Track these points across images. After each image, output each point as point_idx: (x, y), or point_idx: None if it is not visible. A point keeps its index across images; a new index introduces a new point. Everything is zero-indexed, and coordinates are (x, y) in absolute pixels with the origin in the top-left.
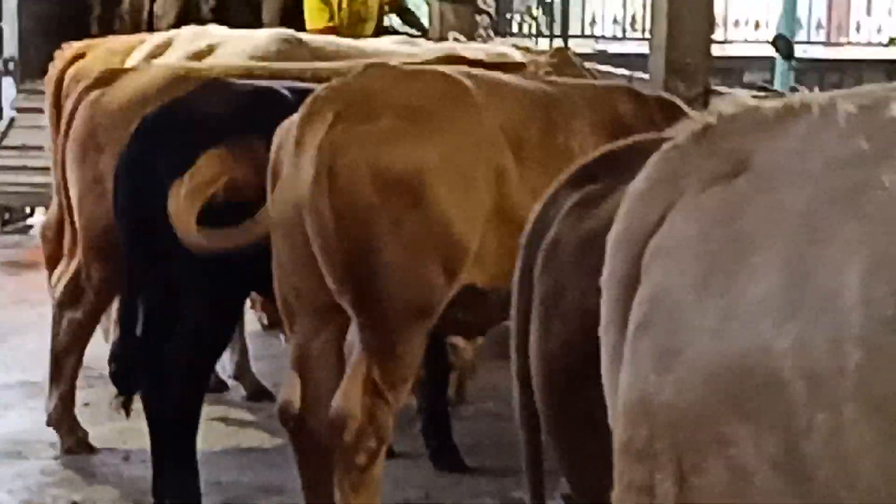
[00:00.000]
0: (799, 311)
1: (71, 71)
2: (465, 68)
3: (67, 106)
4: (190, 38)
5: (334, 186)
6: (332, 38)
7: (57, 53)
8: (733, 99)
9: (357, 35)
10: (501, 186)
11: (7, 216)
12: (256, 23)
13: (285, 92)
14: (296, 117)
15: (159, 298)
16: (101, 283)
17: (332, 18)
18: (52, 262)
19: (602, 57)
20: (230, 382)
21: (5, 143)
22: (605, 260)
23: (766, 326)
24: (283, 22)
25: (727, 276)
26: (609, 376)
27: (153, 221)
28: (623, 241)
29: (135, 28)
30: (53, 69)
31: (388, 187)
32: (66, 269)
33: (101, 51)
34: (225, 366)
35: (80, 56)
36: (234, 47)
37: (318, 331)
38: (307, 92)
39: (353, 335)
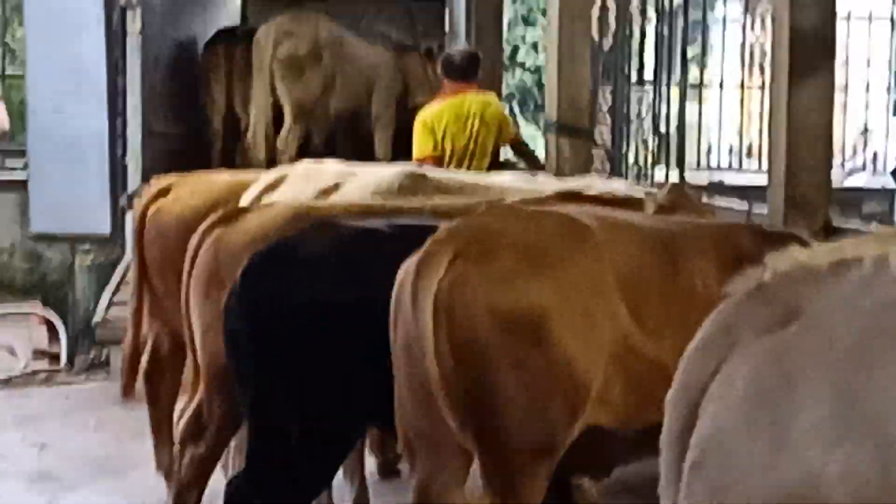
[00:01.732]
0: (847, 438)
1: (152, 208)
2: (585, 207)
3: (192, 243)
4: (304, 174)
5: (453, 326)
6: (455, 173)
7: (143, 188)
8: (788, 254)
9: (472, 169)
10: (621, 327)
11: None
12: (368, 156)
13: (392, 231)
14: (416, 257)
15: (270, 435)
16: (223, 418)
17: (435, 148)
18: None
19: (718, 188)
20: None
21: (128, 278)
22: (665, 418)
23: (816, 455)
24: (396, 154)
25: (776, 409)
26: None
27: (259, 358)
28: (679, 398)
29: (255, 163)
30: (139, 204)
31: (508, 327)
32: (187, 405)
33: (185, 189)
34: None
35: (164, 192)
36: (358, 184)
37: (440, 469)
38: (418, 229)
39: (474, 475)
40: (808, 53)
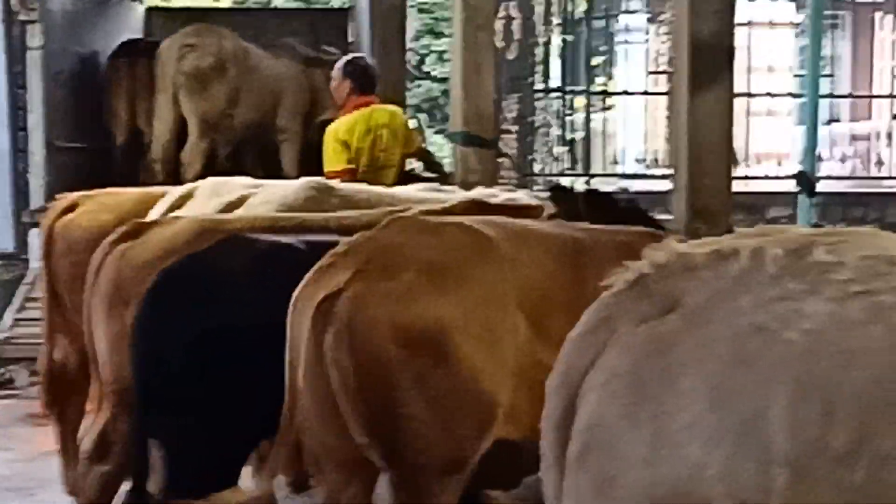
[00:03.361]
0: (726, 437)
1: (60, 223)
2: (489, 217)
3: (94, 259)
4: (212, 189)
5: (354, 344)
6: (362, 186)
7: (49, 205)
8: (666, 246)
9: (379, 181)
10: (524, 339)
11: (33, 368)
12: (275, 170)
13: (306, 247)
14: (315, 273)
15: (174, 451)
16: (129, 435)
17: (350, 161)
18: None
19: (624, 195)
20: None
21: (32, 294)
22: (545, 404)
23: (696, 453)
24: (303, 168)
25: (657, 404)
26: None
27: (166, 378)
28: (559, 384)
29: (161, 178)
30: (45, 220)
31: (410, 344)
32: (92, 423)
33: (93, 203)
34: None
35: (71, 208)
36: (263, 198)
37: (348, 483)
38: (329, 245)
39: (382, 488)
40: (708, 61)
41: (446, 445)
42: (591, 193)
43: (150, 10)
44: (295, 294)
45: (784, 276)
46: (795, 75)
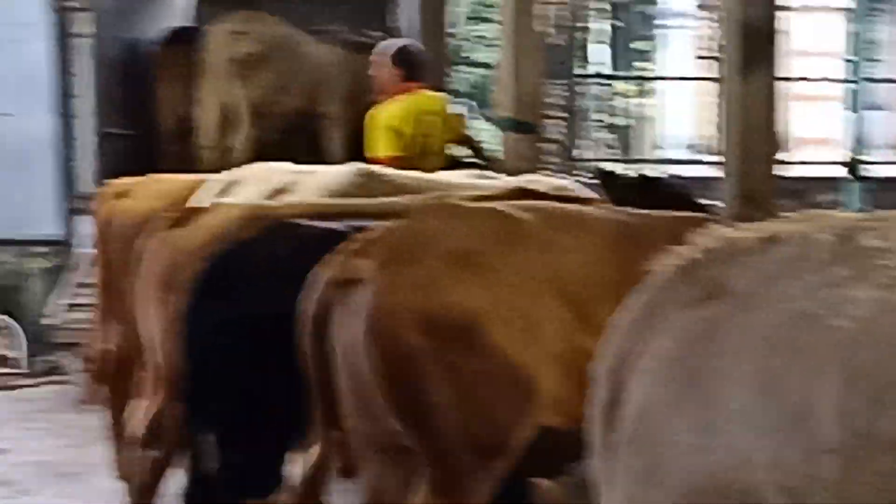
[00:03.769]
0: (774, 426)
1: (112, 209)
2: (530, 202)
3: (138, 244)
4: (259, 175)
5: (382, 333)
6: (408, 172)
7: (100, 191)
8: (713, 231)
9: (425, 168)
10: (567, 326)
11: (82, 354)
12: (321, 155)
13: (351, 232)
14: (342, 261)
15: (224, 436)
16: (181, 421)
17: (401, 148)
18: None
19: (677, 181)
20: None
21: (80, 280)
22: (591, 389)
23: (743, 441)
24: (349, 154)
25: (704, 391)
26: (599, 500)
27: (214, 364)
28: (606, 369)
29: (208, 164)
30: (98, 206)
31: (438, 332)
32: (143, 408)
33: (144, 189)
34: None
35: (123, 194)
36: (312, 184)
37: (388, 472)
38: None
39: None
40: (755, 47)
41: (481, 432)
42: (645, 179)
43: None
44: (324, 281)
45: (832, 261)
46: (843, 60)
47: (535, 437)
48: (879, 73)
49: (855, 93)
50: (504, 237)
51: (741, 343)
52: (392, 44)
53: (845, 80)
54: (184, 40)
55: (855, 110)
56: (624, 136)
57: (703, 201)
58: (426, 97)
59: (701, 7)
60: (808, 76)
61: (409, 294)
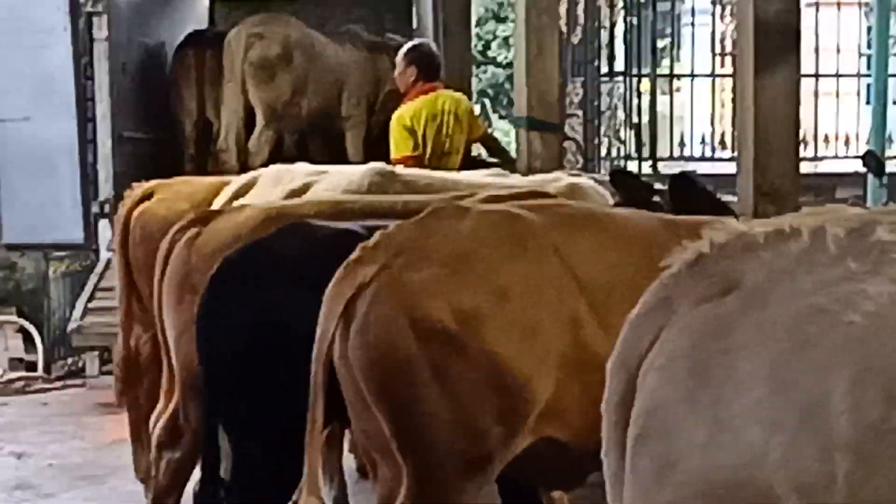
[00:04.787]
0: (787, 422)
1: (137, 212)
2: (546, 202)
3: (162, 247)
4: (274, 177)
5: (373, 338)
6: (425, 171)
7: (126, 193)
8: (726, 226)
9: (444, 167)
10: (577, 332)
11: (104, 357)
12: (341, 156)
13: (366, 232)
14: (344, 265)
15: (239, 439)
16: (199, 422)
17: (416, 147)
18: (124, 402)
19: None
20: None
21: (102, 284)
22: (606, 386)
23: (756, 438)
24: (368, 154)
25: (716, 387)
26: (613, 500)
27: (230, 365)
28: (619, 365)
29: (227, 167)
30: (122, 209)
31: (430, 337)
32: (163, 411)
33: (168, 192)
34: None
35: (147, 197)
36: (328, 184)
37: (399, 476)
38: None
39: None
40: (773, 42)
41: (467, 442)
42: (679, 178)
43: (216, 0)
44: (330, 285)
45: (845, 256)
46: (863, 55)
47: (540, 448)
48: None
49: (876, 87)
50: (510, 240)
51: (754, 339)
52: (408, 44)
53: (865, 75)
54: (202, 43)
55: (877, 105)
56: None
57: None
58: (444, 97)
59: (717, 3)
60: (826, 72)
61: (405, 300)
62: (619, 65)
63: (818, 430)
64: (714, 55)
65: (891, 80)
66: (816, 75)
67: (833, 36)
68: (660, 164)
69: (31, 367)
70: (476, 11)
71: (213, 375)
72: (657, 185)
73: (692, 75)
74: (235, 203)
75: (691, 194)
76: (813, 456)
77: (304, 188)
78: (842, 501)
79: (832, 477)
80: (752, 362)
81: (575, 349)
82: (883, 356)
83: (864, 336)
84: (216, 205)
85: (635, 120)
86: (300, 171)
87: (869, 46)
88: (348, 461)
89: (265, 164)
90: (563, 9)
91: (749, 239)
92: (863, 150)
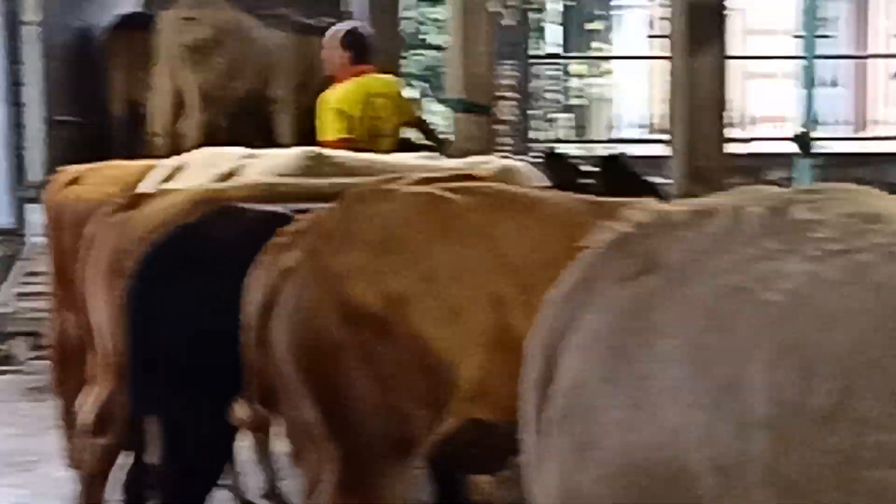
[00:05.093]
0: (705, 400)
1: (66, 196)
2: (472, 185)
3: (90, 231)
4: (204, 160)
5: (299, 322)
6: (357, 154)
7: (52, 178)
8: (646, 206)
9: (376, 150)
10: (501, 314)
11: (34, 343)
12: (272, 140)
13: (295, 216)
14: (268, 250)
15: (167, 424)
16: (128, 408)
17: (347, 130)
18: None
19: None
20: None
21: (32, 269)
22: (525, 365)
23: (674, 416)
24: (300, 138)
25: (636, 367)
26: (531, 480)
27: (157, 350)
28: (539, 345)
29: (159, 150)
30: (49, 194)
31: (356, 321)
32: (90, 396)
33: (98, 176)
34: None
35: (76, 180)
36: (259, 167)
37: (326, 460)
38: None
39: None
40: (703, 25)
41: (394, 425)
42: (609, 160)
43: None
44: (252, 269)
45: (764, 234)
46: (794, 36)
47: (465, 431)
48: (832, 49)
49: (807, 70)
50: (436, 222)
51: (673, 318)
52: (340, 27)
53: (798, 57)
54: (133, 26)
55: (806, 86)
56: (578, 117)
57: (655, 180)
58: (376, 80)
59: None
60: (757, 54)
61: (330, 284)
62: (552, 48)
63: (735, 408)
64: (647, 38)
65: (819, 62)
66: (748, 57)
67: (766, 18)
68: (592, 147)
69: None
70: None
71: (141, 360)
72: (588, 168)
73: (625, 57)
74: (165, 186)
75: (622, 176)
76: (730, 434)
77: (235, 171)
78: (758, 479)
79: (749, 455)
80: (671, 341)
81: (500, 331)
82: (799, 335)
83: (780, 315)
84: (145, 188)
85: (568, 102)
86: (230, 154)
87: (799, 28)
88: (279, 446)
89: (196, 148)
90: None
91: (669, 219)
92: (793, 131)
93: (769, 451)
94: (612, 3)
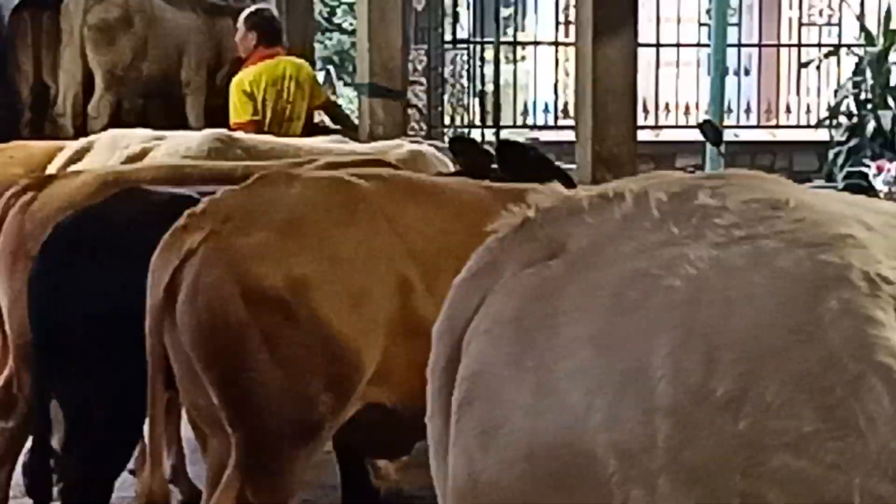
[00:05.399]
0: (608, 385)
1: None
2: (377, 170)
3: None
4: (111, 142)
5: (202, 304)
6: (266, 137)
7: None
8: (551, 190)
9: (286, 133)
10: (405, 299)
11: None
12: (181, 122)
13: (201, 198)
14: (170, 233)
15: (71, 408)
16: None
17: (256, 113)
18: None
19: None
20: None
21: None
22: (431, 350)
23: (578, 401)
24: (210, 121)
25: (540, 351)
26: (437, 465)
27: (60, 334)
28: (445, 329)
29: (66, 132)
30: None
31: (257, 303)
32: None
33: (3, 157)
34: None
35: None
36: (167, 149)
37: (229, 445)
38: None
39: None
40: (611, 12)
41: (297, 409)
42: (505, 145)
43: None
44: (156, 253)
45: (667, 220)
46: (703, 24)
47: (370, 415)
48: (742, 38)
49: (714, 57)
50: (340, 206)
51: (578, 303)
52: (249, 9)
53: (704, 45)
54: (39, 5)
55: (715, 74)
56: (490, 102)
57: (563, 166)
58: (285, 62)
59: None
60: (667, 42)
61: (233, 266)
62: (464, 32)
63: (639, 393)
64: (558, 23)
65: (728, 50)
66: (658, 45)
67: (674, 6)
68: (503, 133)
69: None
70: None
71: (44, 344)
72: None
73: (536, 43)
74: (71, 168)
75: (524, 161)
76: (634, 419)
77: (142, 153)
78: (661, 465)
79: (652, 440)
80: (576, 326)
81: (404, 315)
82: (703, 320)
83: (684, 300)
84: (51, 170)
85: (479, 88)
86: (138, 136)
87: (709, 16)
88: (187, 431)
89: (104, 129)
90: None
91: (574, 204)
92: (702, 118)
93: (672, 437)
94: None
